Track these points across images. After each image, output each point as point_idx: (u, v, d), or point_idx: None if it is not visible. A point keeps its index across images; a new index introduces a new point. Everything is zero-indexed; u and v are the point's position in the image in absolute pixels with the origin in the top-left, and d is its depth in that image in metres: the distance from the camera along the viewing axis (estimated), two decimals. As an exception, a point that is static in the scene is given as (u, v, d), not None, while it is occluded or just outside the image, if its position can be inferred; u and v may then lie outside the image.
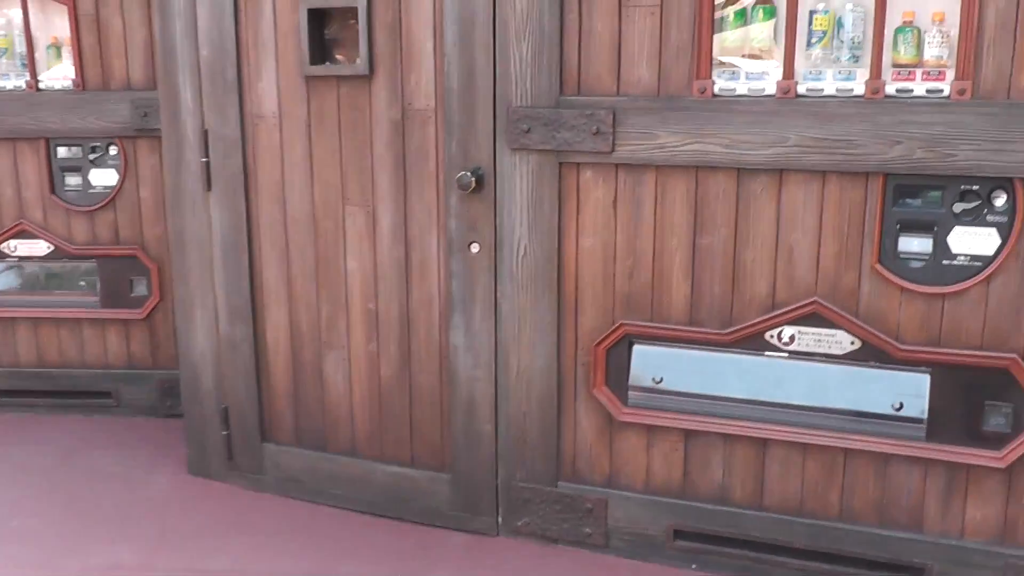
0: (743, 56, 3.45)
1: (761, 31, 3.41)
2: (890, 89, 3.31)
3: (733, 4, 3.45)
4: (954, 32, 3.21)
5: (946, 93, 3.25)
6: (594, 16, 3.51)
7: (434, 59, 3.76)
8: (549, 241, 3.73)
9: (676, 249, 3.61)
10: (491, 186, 3.78)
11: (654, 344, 3.70)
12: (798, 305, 3.50)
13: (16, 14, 4.79)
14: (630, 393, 3.64)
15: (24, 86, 4.85)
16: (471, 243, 3.85)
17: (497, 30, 3.58)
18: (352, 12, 3.74)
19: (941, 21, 3.24)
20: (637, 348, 3.72)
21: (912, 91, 3.30)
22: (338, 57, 3.95)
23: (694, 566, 3.75)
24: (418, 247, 4.01)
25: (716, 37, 3.43)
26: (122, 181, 4.92)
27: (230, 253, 4.05)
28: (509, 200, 3.77)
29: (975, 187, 3.11)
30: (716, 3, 3.41)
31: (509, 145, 3.69)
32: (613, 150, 3.53)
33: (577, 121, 3.59)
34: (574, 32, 3.56)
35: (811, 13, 3.34)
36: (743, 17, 3.42)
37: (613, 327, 3.73)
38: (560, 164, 3.67)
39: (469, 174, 3.69)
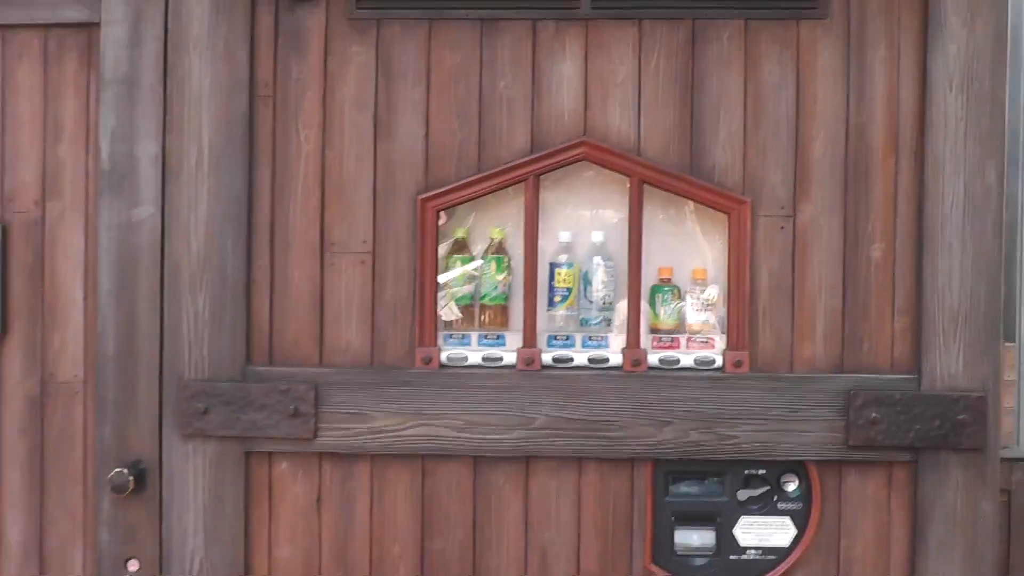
0: (475, 317, 2.75)
1: (495, 287, 2.73)
2: (653, 359, 2.66)
3: (460, 252, 2.77)
4: (721, 293, 2.75)
5: (719, 364, 2.66)
6: (290, 262, 2.77)
7: (84, 313, 2.84)
8: (233, 553, 2.79)
9: (399, 557, 2.76)
10: (156, 485, 2.83)
11: None
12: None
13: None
14: None
15: None
16: (128, 560, 2.83)
17: (167, 276, 2.78)
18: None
19: (703, 280, 2.66)
20: None
21: (679, 361, 2.68)
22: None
23: None
24: (57, 568, 2.89)
25: (442, 293, 2.80)
26: None
27: None
28: (180, 502, 2.81)
29: (761, 471, 2.72)
30: (441, 254, 2.70)
31: (180, 430, 2.79)
32: (316, 436, 2.71)
33: (269, 399, 2.73)
34: (265, 283, 2.79)
35: (552, 267, 2.70)
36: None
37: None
38: (247, 454, 2.80)
39: (126, 471, 2.74)
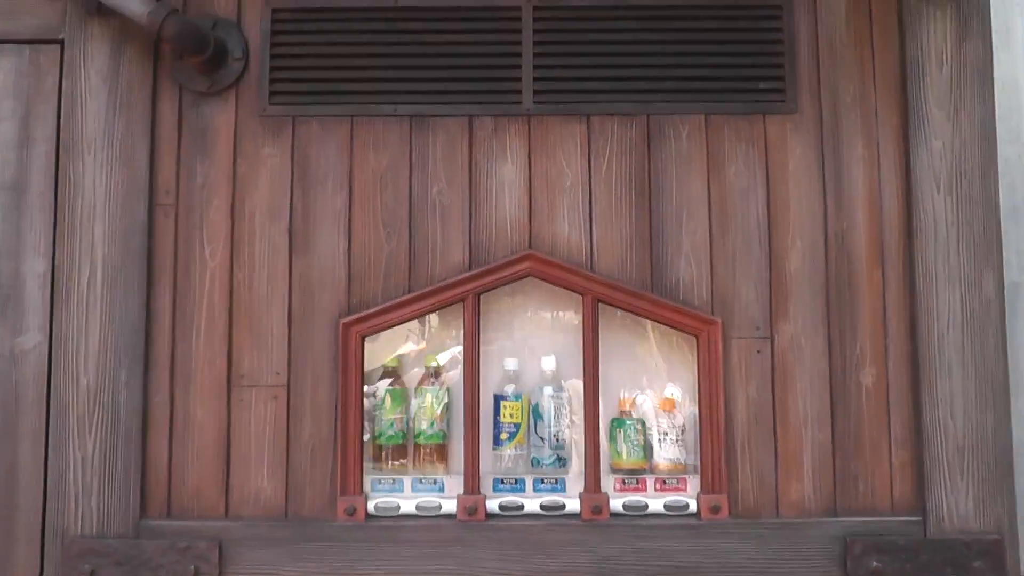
0: (409, 458, 2.46)
1: (431, 423, 2.35)
2: (616, 504, 2.29)
3: (390, 383, 2.39)
4: (692, 426, 2.43)
5: (693, 509, 2.31)
6: (192, 398, 2.43)
7: (-47, 461, 2.45)
8: None
9: None
10: (29, 665, 2.34)
11: None
12: None
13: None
14: None
15: None
16: None
17: (52, 415, 2.44)
18: None
19: (671, 411, 2.31)
20: None
21: (646, 507, 2.33)
22: None
23: None
24: None
25: (369, 430, 2.49)
26: None
27: None
28: None
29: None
30: (367, 389, 2.33)
31: (61, 600, 2.34)
32: (220, 604, 2.28)
33: (166, 558, 2.34)
34: (163, 421, 2.44)
35: (497, 399, 2.33)
36: (402, 400, 2.44)
37: None
38: (139, 627, 2.33)
39: (-8, 648, 2.25)
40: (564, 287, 2.46)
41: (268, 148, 2.53)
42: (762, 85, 2.50)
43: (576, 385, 2.45)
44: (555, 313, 2.57)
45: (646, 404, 2.47)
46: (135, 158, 2.49)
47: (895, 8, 2.51)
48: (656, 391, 2.49)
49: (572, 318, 2.51)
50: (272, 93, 2.55)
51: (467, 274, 2.46)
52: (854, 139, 2.50)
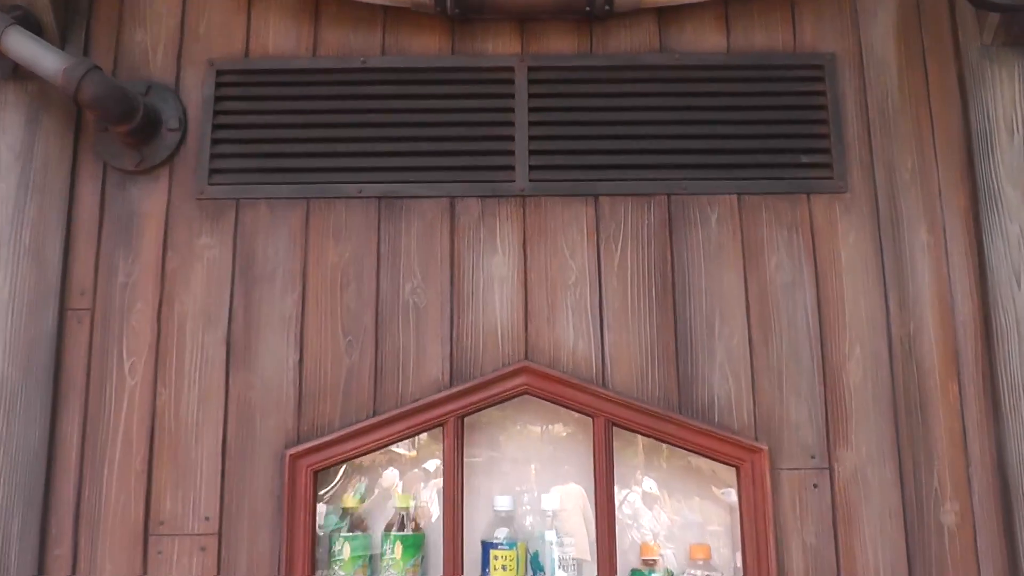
0: None
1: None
2: None
3: (350, 528, 1.91)
4: None
5: None
6: (100, 550, 2.15)
7: None
8: None
9: None
10: None
11: None
12: None
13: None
14: None
15: None
16: None
17: None
18: None
19: (706, 559, 1.84)
20: None
21: None
22: None
23: None
24: None
25: None
26: None
27: None
28: None
29: None
30: (319, 535, 1.85)
31: None
32: None
33: None
34: None
35: (486, 547, 1.87)
36: (364, 550, 2.03)
37: None
38: None
39: None
40: (569, 407, 2.04)
41: (205, 238, 2.17)
42: (804, 159, 2.17)
43: (586, 526, 1.96)
44: (557, 429, 2.15)
45: (675, 551, 1.98)
46: (46, 252, 2.16)
47: (954, 67, 2.23)
48: (687, 535, 2.02)
49: (581, 439, 2.04)
50: (213, 171, 2.21)
51: (447, 392, 2.05)
52: (916, 223, 2.15)
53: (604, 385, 2.05)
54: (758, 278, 2.11)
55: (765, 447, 2.00)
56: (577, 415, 2.06)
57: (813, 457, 2.01)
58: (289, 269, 2.13)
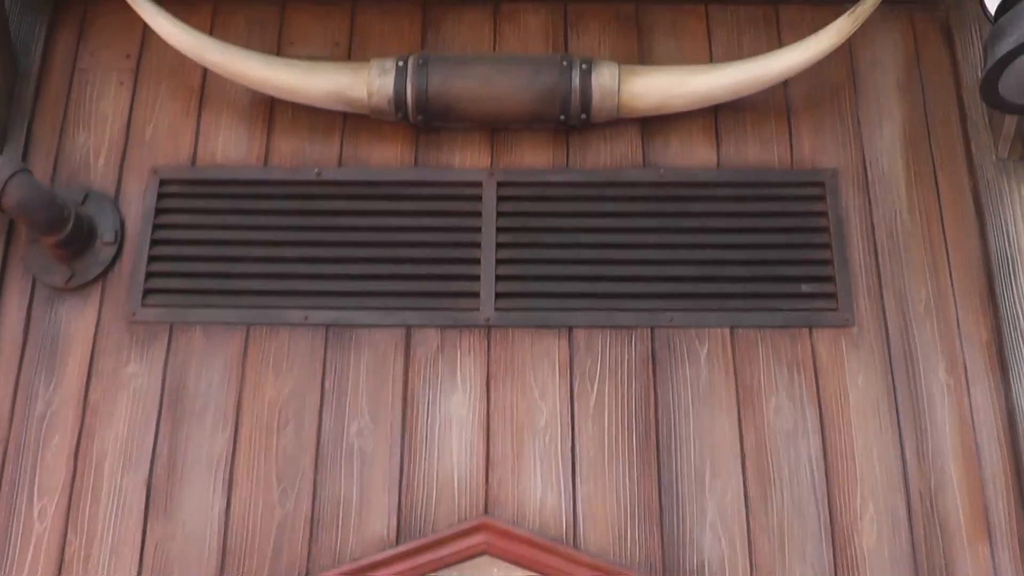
0: None
1: None
2: None
3: None
4: None
5: None
6: None
7: None
8: None
9: None
10: None
11: None
12: None
13: None
14: None
15: None
16: None
17: None
18: None
19: None
20: None
21: None
22: None
23: None
24: None
25: None
26: None
27: None
28: None
29: None
30: None
31: None
32: None
33: None
34: None
35: None
36: None
37: None
38: None
39: None
40: (536, 571, 1.79)
41: (133, 365, 2.00)
42: (805, 288, 1.99)
43: None
44: None
45: None
46: (-42, 378, 1.98)
47: (968, 183, 2.08)
48: None
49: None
50: (148, 291, 2.06)
51: (393, 551, 1.81)
52: (933, 361, 1.95)
53: (576, 546, 1.81)
54: (755, 423, 1.89)
55: (764, 625, 1.74)
56: (547, 578, 1.82)
57: (822, 637, 1.76)
58: (222, 404, 1.93)
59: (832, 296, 1.95)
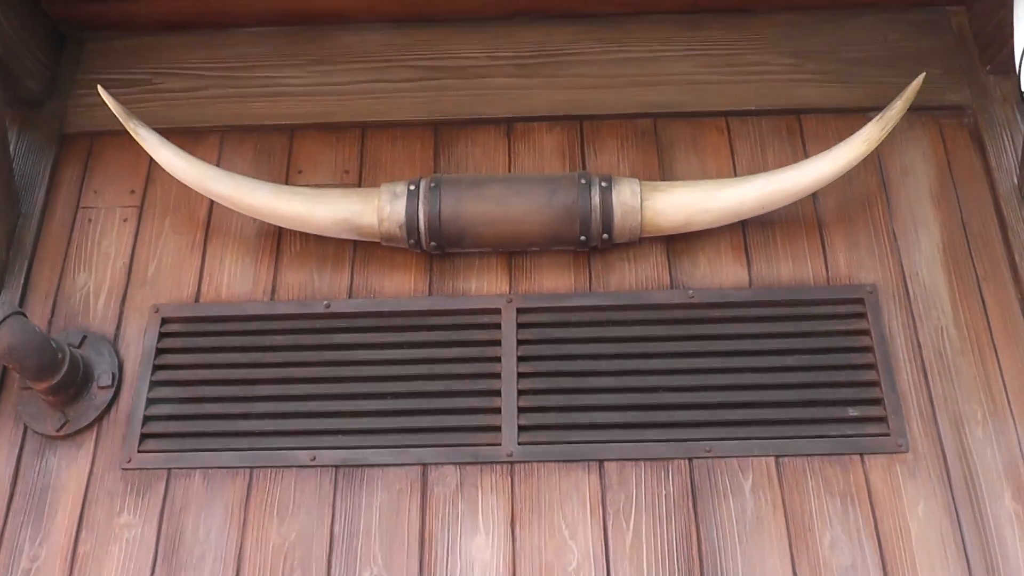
0: None
1: None
2: None
3: None
4: None
5: None
6: None
7: None
8: None
9: None
10: None
11: None
12: None
13: None
14: None
15: None
16: None
17: None
18: None
19: None
20: None
21: None
22: None
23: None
24: None
25: None
26: None
27: None
28: None
29: None
30: None
31: None
32: None
33: None
34: None
35: None
36: None
37: None
38: None
39: None
40: None
41: (127, 515, 1.88)
42: (852, 411, 1.86)
43: None
44: None
45: None
46: (-64, 531, 1.85)
47: (1014, 293, 1.97)
48: None
49: None
50: (145, 435, 1.96)
51: None
52: (997, 487, 1.80)
53: None
54: (809, 560, 1.73)
55: None
56: None
57: None
58: (222, 553, 1.80)
59: (882, 420, 1.82)
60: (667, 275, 1.98)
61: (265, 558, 1.78)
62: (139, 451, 1.88)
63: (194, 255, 2.09)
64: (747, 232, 2.02)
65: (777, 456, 1.80)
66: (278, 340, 1.96)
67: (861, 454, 1.80)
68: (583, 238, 1.93)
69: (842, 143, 1.92)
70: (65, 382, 1.90)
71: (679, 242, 2.01)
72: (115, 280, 2.08)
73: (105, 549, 1.82)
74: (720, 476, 1.80)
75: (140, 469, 1.87)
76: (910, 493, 1.77)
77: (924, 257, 1.99)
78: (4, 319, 1.81)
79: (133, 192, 2.17)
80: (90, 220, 2.15)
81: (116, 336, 2.02)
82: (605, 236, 1.92)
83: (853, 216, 2.04)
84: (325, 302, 1.98)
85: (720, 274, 1.98)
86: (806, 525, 1.75)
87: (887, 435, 1.80)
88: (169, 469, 1.86)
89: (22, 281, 2.08)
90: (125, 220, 2.15)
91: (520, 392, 1.87)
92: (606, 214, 1.91)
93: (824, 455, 1.80)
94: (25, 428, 1.94)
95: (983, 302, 1.95)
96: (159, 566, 1.79)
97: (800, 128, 2.13)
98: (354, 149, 2.17)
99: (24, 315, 1.86)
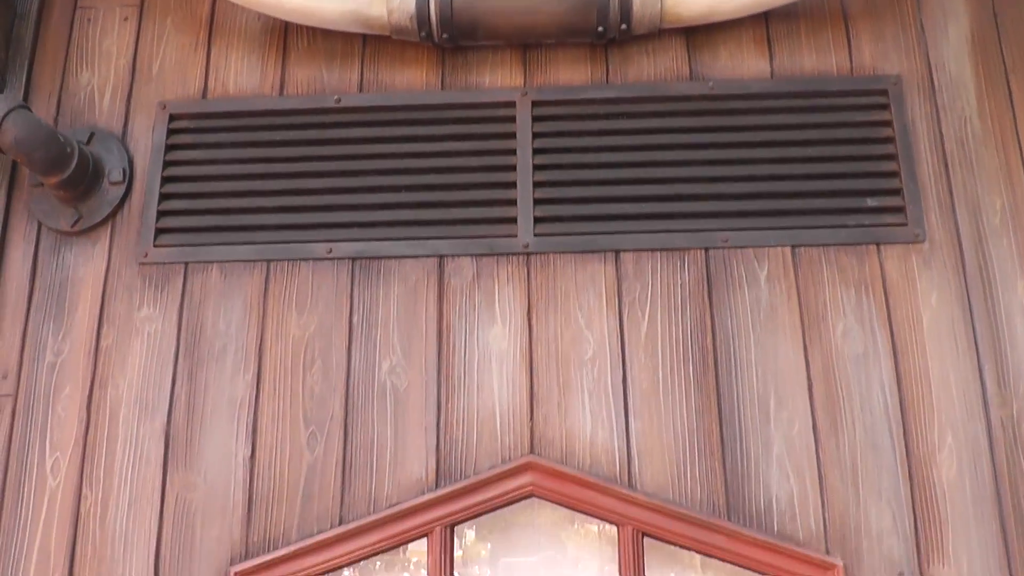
0: None
1: None
2: None
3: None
4: None
5: None
6: None
7: None
8: None
9: None
10: None
11: None
12: None
13: None
14: None
15: None
16: None
17: None
18: None
19: None
20: None
21: None
22: None
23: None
24: None
25: None
26: None
27: None
28: None
29: None
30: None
31: None
32: None
33: None
34: None
35: None
36: None
37: None
38: None
39: None
40: (588, 513, 1.68)
41: (147, 309, 1.90)
42: (871, 202, 1.85)
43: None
44: (573, 539, 1.76)
45: None
46: (-35, 328, 1.88)
47: None
48: None
49: (600, 547, 1.71)
50: (160, 231, 1.96)
51: (432, 495, 1.71)
52: (1011, 276, 1.82)
53: (631, 486, 1.70)
54: (821, 349, 1.76)
55: (839, 563, 1.63)
56: (599, 524, 1.70)
57: (901, 574, 1.62)
58: (242, 345, 1.83)
59: (900, 210, 1.81)
60: (687, 67, 1.94)
61: (286, 349, 1.81)
62: (155, 245, 1.88)
63: (198, 53, 2.04)
64: (770, 24, 1.96)
65: (793, 246, 1.81)
66: (289, 135, 1.93)
67: (877, 243, 1.81)
68: (600, 28, 1.87)
69: (875, -75, 1.85)
70: (76, 177, 1.89)
71: (700, 34, 1.95)
72: (119, 78, 2.03)
73: (127, 343, 1.84)
74: (736, 266, 1.81)
75: (157, 263, 1.87)
76: (924, 283, 1.78)
77: (952, 48, 1.94)
78: (8, 112, 1.78)
79: (132, -9, 2.10)
80: (89, 20, 2.09)
81: (124, 133, 2.00)
82: (624, 27, 1.86)
83: (880, 8, 1.97)
84: (336, 97, 1.94)
85: (741, 66, 1.93)
86: (820, 314, 1.77)
87: (904, 224, 1.80)
88: (186, 263, 1.87)
89: (24, 80, 2.03)
90: (125, 19, 2.08)
91: (536, 184, 1.86)
92: (624, 3, 1.85)
93: (840, 245, 1.80)
94: (39, 225, 1.94)
95: (1010, 93, 1.91)
96: (182, 358, 1.82)
97: (830, -89, 2.02)
98: (363, -65, 2.08)
99: (28, 109, 1.83)
